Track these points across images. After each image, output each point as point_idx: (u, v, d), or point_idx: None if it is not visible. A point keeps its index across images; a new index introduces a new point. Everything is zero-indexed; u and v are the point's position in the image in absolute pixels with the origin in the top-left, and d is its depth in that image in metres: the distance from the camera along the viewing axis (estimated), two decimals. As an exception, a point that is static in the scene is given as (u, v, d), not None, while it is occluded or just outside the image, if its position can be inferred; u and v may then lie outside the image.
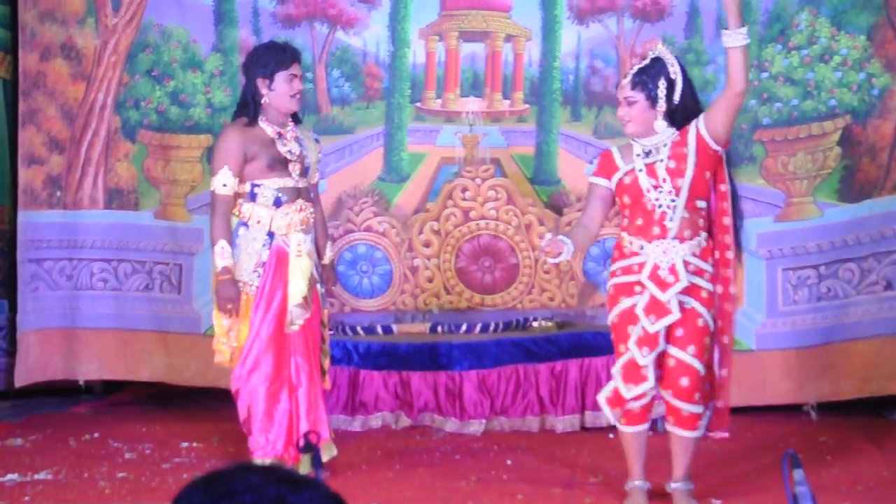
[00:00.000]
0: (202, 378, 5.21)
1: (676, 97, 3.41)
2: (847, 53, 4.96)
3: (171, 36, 5.39)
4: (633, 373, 3.45)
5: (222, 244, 3.77)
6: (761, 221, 4.99)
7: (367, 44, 5.39)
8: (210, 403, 5.21)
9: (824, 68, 4.99)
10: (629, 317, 3.44)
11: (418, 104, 5.43)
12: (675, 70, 3.41)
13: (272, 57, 3.84)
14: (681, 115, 3.43)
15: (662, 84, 3.39)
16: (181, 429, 4.82)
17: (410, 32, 5.36)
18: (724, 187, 3.44)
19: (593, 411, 4.72)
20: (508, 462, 4.25)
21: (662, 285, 3.37)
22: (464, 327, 5.06)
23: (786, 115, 5.05)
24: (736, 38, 3.30)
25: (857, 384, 4.80)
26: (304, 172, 3.91)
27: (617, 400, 3.53)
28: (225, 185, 3.80)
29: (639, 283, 3.43)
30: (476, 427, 4.72)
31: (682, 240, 3.39)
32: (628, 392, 3.47)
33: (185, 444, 4.56)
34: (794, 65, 5.03)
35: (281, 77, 3.82)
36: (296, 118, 4.00)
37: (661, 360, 3.48)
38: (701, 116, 3.39)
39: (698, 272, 3.42)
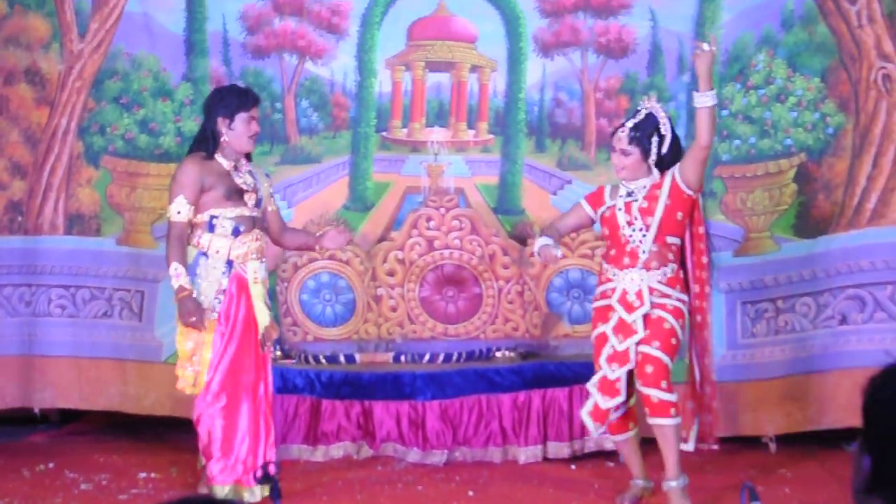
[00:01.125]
0: (161, 407, 5.16)
1: (665, 149, 3.93)
2: (802, 94, 5.08)
3: (142, 64, 5.38)
4: (607, 387, 3.93)
5: (175, 266, 3.96)
6: (721, 255, 4.95)
7: (335, 74, 5.43)
8: (168, 433, 5.16)
9: (780, 108, 5.10)
10: (603, 339, 3.96)
11: (384, 133, 5.47)
12: (665, 127, 3.93)
13: (234, 99, 4.08)
14: (668, 162, 3.95)
15: (655, 140, 3.92)
16: (139, 459, 4.76)
17: (377, 62, 5.41)
18: (702, 229, 3.96)
19: (556, 442, 4.78)
20: (470, 493, 4.28)
21: (629, 308, 3.89)
22: (427, 357, 5.09)
23: (744, 153, 5.16)
24: (704, 99, 3.79)
25: (815, 416, 4.88)
26: (258, 203, 4.12)
27: (597, 414, 3.95)
28: (179, 213, 4.01)
29: (611, 307, 3.94)
30: (438, 457, 4.73)
31: (648, 269, 3.89)
32: (604, 403, 3.92)
33: (142, 475, 4.52)
34: (752, 104, 5.14)
35: (241, 118, 4.06)
36: (247, 155, 4.20)
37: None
38: (677, 165, 3.90)
39: (664, 296, 3.90)
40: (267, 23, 5.40)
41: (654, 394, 3.83)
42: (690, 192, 3.90)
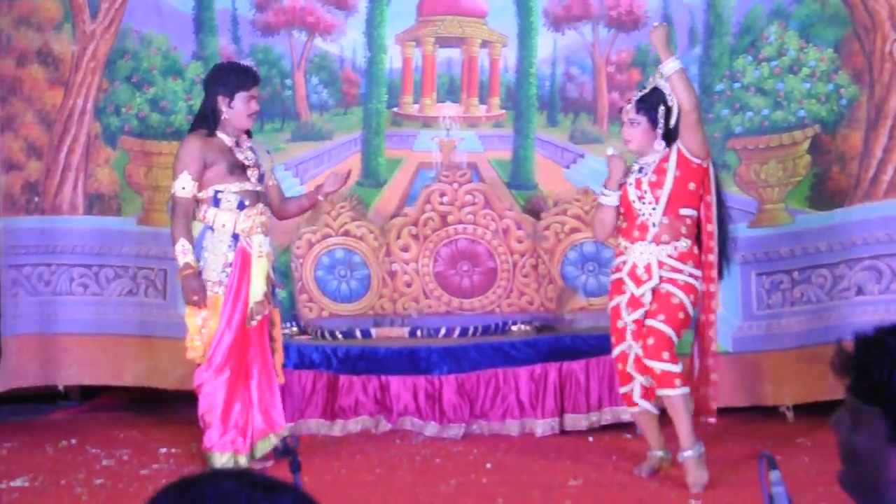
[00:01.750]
0: (188, 381, 4.97)
1: (672, 122, 3.95)
2: (815, 65, 5.07)
3: (151, 43, 5.38)
4: (642, 366, 3.98)
5: (182, 243, 4.03)
6: (736, 227, 4.91)
7: (345, 50, 5.43)
8: (188, 409, 5.09)
9: (793, 79, 5.09)
10: (617, 313, 4.04)
11: (395, 109, 5.46)
12: (672, 99, 3.93)
13: (234, 78, 4.14)
14: (675, 137, 3.97)
15: (661, 110, 3.97)
16: (159, 434, 4.81)
17: (387, 38, 5.39)
18: (710, 198, 3.95)
19: (573, 414, 4.81)
20: (488, 465, 4.31)
21: (637, 281, 3.95)
22: (443, 331, 5.10)
23: (757, 125, 5.16)
24: (668, 67, 3.85)
25: (831, 387, 4.84)
26: (261, 179, 4.20)
27: (647, 393, 4.03)
28: (184, 188, 4.08)
29: (623, 280, 4.00)
30: (456, 431, 4.76)
31: (658, 243, 3.93)
32: (648, 381, 3.98)
33: (163, 450, 4.56)
34: (765, 75, 5.13)
35: (241, 97, 4.12)
36: (248, 132, 4.27)
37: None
38: (679, 137, 3.94)
39: (674, 271, 3.92)
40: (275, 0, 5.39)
41: (657, 365, 3.88)
42: (698, 161, 3.92)
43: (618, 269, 4.03)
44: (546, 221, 5.26)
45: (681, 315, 3.91)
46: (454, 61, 5.46)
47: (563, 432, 4.77)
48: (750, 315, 5.07)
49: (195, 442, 4.64)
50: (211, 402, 4.10)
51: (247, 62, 5.12)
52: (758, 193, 5.16)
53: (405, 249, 5.36)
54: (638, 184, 3.95)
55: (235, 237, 4.09)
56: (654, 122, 3.95)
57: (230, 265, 4.07)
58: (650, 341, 3.88)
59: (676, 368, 3.88)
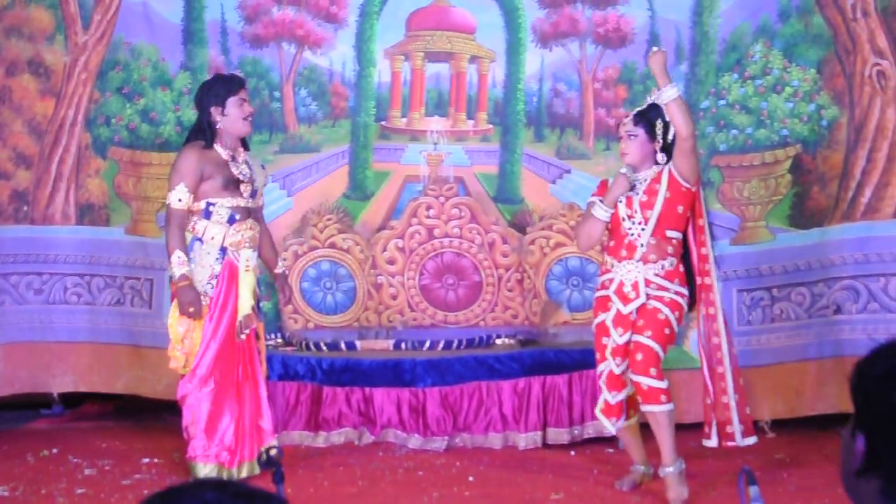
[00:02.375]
0: (173, 391, 5.07)
1: (670, 137, 3.96)
2: (798, 85, 5.13)
3: (141, 54, 5.40)
4: (613, 381, 4.02)
5: (178, 254, 4.04)
6: (718, 244, 4.98)
7: (334, 63, 5.45)
8: (171, 418, 5.12)
9: (777, 98, 5.14)
10: (603, 330, 4.03)
11: (383, 123, 5.49)
12: (669, 115, 3.92)
13: (222, 85, 4.17)
14: (668, 154, 3.98)
15: (660, 123, 3.96)
16: (141, 444, 4.80)
17: (376, 52, 5.43)
18: (702, 221, 4.00)
19: (555, 428, 4.83)
20: (471, 478, 4.32)
21: (625, 300, 3.95)
22: (427, 344, 5.12)
23: (741, 143, 5.20)
24: (666, 94, 3.82)
25: (809, 402, 4.96)
26: (254, 194, 4.22)
27: (609, 409, 4.05)
28: (180, 200, 4.10)
29: (610, 297, 4.00)
30: (439, 443, 4.77)
31: (646, 262, 3.93)
32: (613, 399, 4.03)
33: (145, 460, 4.55)
34: (749, 94, 5.18)
35: (232, 102, 4.13)
36: (245, 145, 4.27)
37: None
38: (672, 160, 3.94)
39: (661, 289, 3.94)
40: (265, 12, 5.42)
41: (644, 381, 3.89)
42: (688, 185, 3.93)
43: (604, 287, 4.03)
44: (531, 236, 5.30)
45: (667, 331, 3.92)
46: (443, 76, 5.50)
47: (545, 446, 4.78)
48: (731, 331, 5.05)
49: (177, 452, 4.64)
50: (195, 413, 4.11)
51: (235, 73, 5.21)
52: (740, 211, 5.21)
53: (391, 262, 5.39)
54: (629, 202, 3.95)
55: (223, 250, 4.11)
56: (651, 135, 3.95)
57: (216, 277, 4.10)
58: (638, 357, 3.89)
59: (663, 385, 3.91)
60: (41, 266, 5.38)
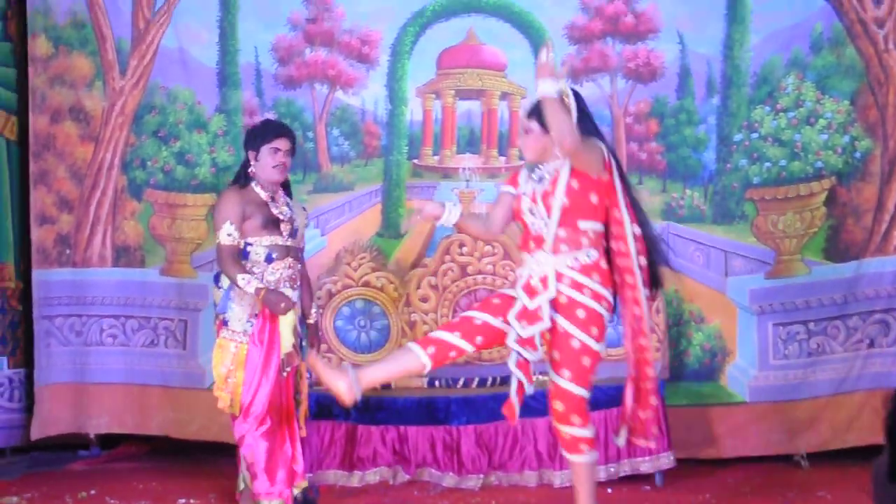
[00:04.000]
0: (206, 432, 5.30)
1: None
2: (832, 117, 5.12)
3: (177, 98, 5.51)
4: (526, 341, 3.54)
5: (242, 276, 4.03)
6: (753, 278, 5.14)
7: (366, 103, 5.52)
8: (208, 459, 5.21)
9: (810, 130, 5.13)
10: (502, 300, 3.57)
11: (415, 161, 5.52)
12: (569, 101, 3.50)
13: (259, 132, 4.23)
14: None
15: None
16: (178, 485, 4.82)
17: (408, 91, 5.48)
18: (619, 214, 3.50)
19: (590, 466, 4.79)
20: (506, 517, 4.28)
21: (531, 293, 3.48)
22: (461, 381, 5.08)
23: (775, 175, 5.20)
24: (542, 88, 3.38)
25: (841, 434, 4.94)
26: (293, 234, 4.23)
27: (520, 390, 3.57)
28: (230, 236, 4.12)
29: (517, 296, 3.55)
30: (474, 482, 4.72)
31: (556, 252, 3.48)
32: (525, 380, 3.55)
33: (182, 501, 4.55)
34: (782, 126, 5.17)
35: (265, 150, 4.18)
36: (287, 190, 4.32)
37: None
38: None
39: (576, 286, 3.46)
40: (298, 53, 5.52)
41: (566, 430, 3.51)
42: (596, 176, 3.49)
43: (512, 286, 3.61)
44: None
45: (586, 361, 3.44)
46: (474, 113, 5.53)
47: (580, 484, 4.75)
48: (766, 365, 5.11)
49: (214, 493, 4.68)
50: (254, 453, 4.09)
51: (269, 115, 5.29)
52: (775, 244, 5.19)
53: (424, 300, 5.39)
54: (533, 195, 3.56)
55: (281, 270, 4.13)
56: (545, 127, 3.50)
57: (255, 315, 4.10)
58: (558, 406, 3.48)
59: (585, 433, 3.50)
60: (81, 308, 5.48)
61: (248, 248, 4.14)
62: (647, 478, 4.71)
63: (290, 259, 4.20)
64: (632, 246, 3.47)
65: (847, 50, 5.08)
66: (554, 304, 3.46)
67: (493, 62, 5.54)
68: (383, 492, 4.71)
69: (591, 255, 3.49)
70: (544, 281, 3.46)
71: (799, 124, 5.15)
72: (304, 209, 4.50)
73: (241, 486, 4.29)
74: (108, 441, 5.64)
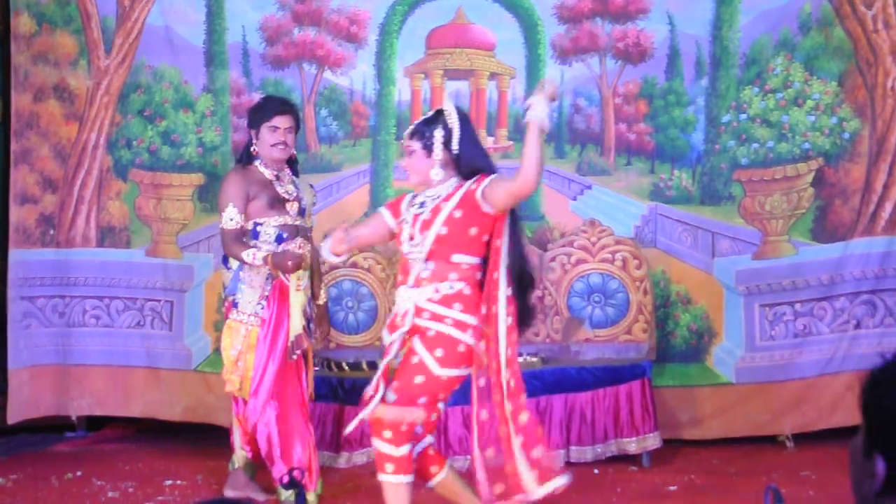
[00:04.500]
0: (192, 414, 5.26)
1: (455, 146, 3.33)
2: (819, 98, 5.10)
3: (163, 76, 5.43)
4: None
5: (248, 252, 3.97)
6: (740, 259, 5.11)
7: (354, 83, 5.47)
8: (194, 440, 5.17)
9: (798, 112, 5.10)
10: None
11: (403, 141, 5.51)
12: (452, 120, 3.36)
13: (258, 111, 4.19)
14: (465, 167, 3.34)
15: (439, 133, 3.33)
16: (164, 466, 4.80)
17: (396, 71, 5.42)
18: (499, 242, 3.29)
19: (578, 446, 4.79)
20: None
21: (391, 328, 3.37)
22: (448, 362, 5.10)
23: (762, 157, 5.17)
24: (533, 113, 3.14)
25: (825, 415, 4.97)
26: (302, 213, 4.20)
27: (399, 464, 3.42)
28: (231, 220, 4.08)
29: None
30: (461, 463, 4.66)
31: (418, 285, 3.31)
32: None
33: (168, 482, 4.54)
34: (770, 107, 5.14)
35: (264, 129, 4.14)
36: (293, 169, 4.28)
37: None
38: (487, 181, 3.27)
39: (436, 318, 3.28)
40: (286, 33, 5.45)
41: (374, 442, 3.37)
42: (491, 212, 3.29)
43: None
44: (552, 253, 5.22)
45: (417, 379, 3.24)
46: (462, 93, 5.47)
47: (568, 463, 4.71)
48: (753, 346, 5.11)
49: (200, 474, 4.66)
50: (269, 439, 4.08)
51: (256, 95, 5.22)
52: (762, 225, 5.18)
53: (412, 280, 5.37)
54: (413, 220, 3.34)
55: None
56: (428, 149, 3.32)
57: (266, 298, 4.05)
58: (376, 413, 3.30)
59: (393, 452, 3.30)
60: (64, 289, 5.39)
61: (258, 229, 4.09)
62: (633, 458, 4.73)
63: (301, 239, 4.13)
64: (503, 281, 3.25)
65: (835, 31, 5.06)
66: (414, 333, 3.32)
67: (482, 42, 5.49)
68: (370, 473, 4.48)
69: (454, 286, 3.28)
70: (405, 316, 3.31)
71: (787, 105, 5.13)
72: (311, 186, 4.44)
73: (235, 464, 4.28)
74: (94, 423, 5.61)
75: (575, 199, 5.41)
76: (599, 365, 4.85)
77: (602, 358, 4.92)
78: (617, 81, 5.35)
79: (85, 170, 5.45)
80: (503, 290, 3.24)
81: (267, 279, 4.07)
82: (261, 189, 4.09)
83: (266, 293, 4.05)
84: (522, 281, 3.32)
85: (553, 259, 5.24)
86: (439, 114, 3.37)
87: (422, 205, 3.36)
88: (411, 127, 3.43)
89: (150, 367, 5.35)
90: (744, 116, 5.17)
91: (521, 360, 4.82)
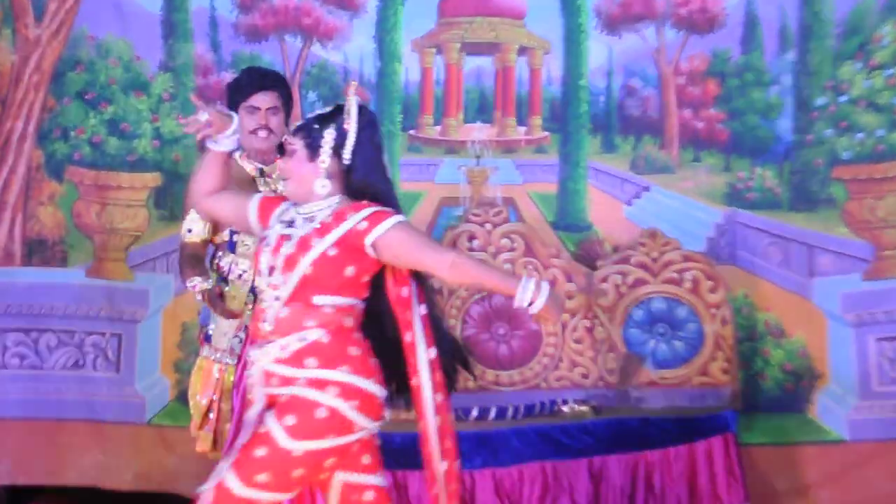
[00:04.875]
0: (146, 481, 4.89)
1: (347, 154, 2.82)
2: (941, 75, 4.93)
3: (110, 51, 5.12)
4: None
5: (192, 279, 3.54)
6: (847, 279, 4.81)
7: (349, 59, 5.17)
8: None
9: (914, 92, 4.95)
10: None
11: (412, 132, 5.22)
12: (350, 121, 2.85)
13: (234, 88, 3.72)
14: (357, 187, 2.85)
15: (329, 134, 2.82)
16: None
17: (402, 45, 5.15)
18: (406, 291, 2.87)
19: (645, 522, 4.52)
20: None
21: (248, 403, 2.98)
22: (474, 413, 4.57)
23: (869, 149, 4.84)
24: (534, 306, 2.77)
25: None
26: None
27: None
28: (190, 231, 3.67)
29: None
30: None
31: (265, 342, 2.88)
32: None
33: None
34: (878, 87, 4.81)
35: (242, 110, 3.64)
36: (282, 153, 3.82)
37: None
38: (383, 228, 2.78)
39: (286, 382, 2.80)
40: (264, -2, 5.39)
41: None
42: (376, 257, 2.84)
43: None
44: (603, 272, 4.81)
45: (258, 452, 2.74)
46: (485, 72, 5.23)
47: (633, 547, 4.42)
48: (868, 392, 4.77)
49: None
50: None
51: (227, 74, 4.93)
52: (873, 236, 4.84)
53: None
54: (277, 245, 2.85)
55: (255, 291, 3.44)
56: (312, 150, 2.84)
57: (245, 328, 3.58)
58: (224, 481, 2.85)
59: None
60: (-27, 320, 5.19)
61: (236, 239, 3.67)
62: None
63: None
64: (421, 341, 2.86)
65: (960, -12, 4.78)
66: (271, 405, 2.87)
67: (509, 8, 5.19)
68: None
69: (306, 337, 2.81)
70: (254, 388, 2.90)
71: (899, 84, 4.89)
72: None
73: None
74: (18, 496, 5.02)
75: (630, 203, 5.12)
76: (668, 415, 4.50)
77: (671, 406, 4.61)
78: (679, 56, 5.06)
79: (8, 167, 5.08)
80: (423, 355, 2.86)
81: (246, 304, 3.64)
82: (240, 189, 3.53)
83: (245, 322, 3.57)
84: (443, 343, 2.95)
85: (605, 279, 4.80)
86: (338, 110, 2.92)
87: (291, 223, 2.89)
88: (299, 123, 2.99)
89: (91, 419, 4.98)
90: (843, 99, 4.86)
91: (566, 409, 4.61)
